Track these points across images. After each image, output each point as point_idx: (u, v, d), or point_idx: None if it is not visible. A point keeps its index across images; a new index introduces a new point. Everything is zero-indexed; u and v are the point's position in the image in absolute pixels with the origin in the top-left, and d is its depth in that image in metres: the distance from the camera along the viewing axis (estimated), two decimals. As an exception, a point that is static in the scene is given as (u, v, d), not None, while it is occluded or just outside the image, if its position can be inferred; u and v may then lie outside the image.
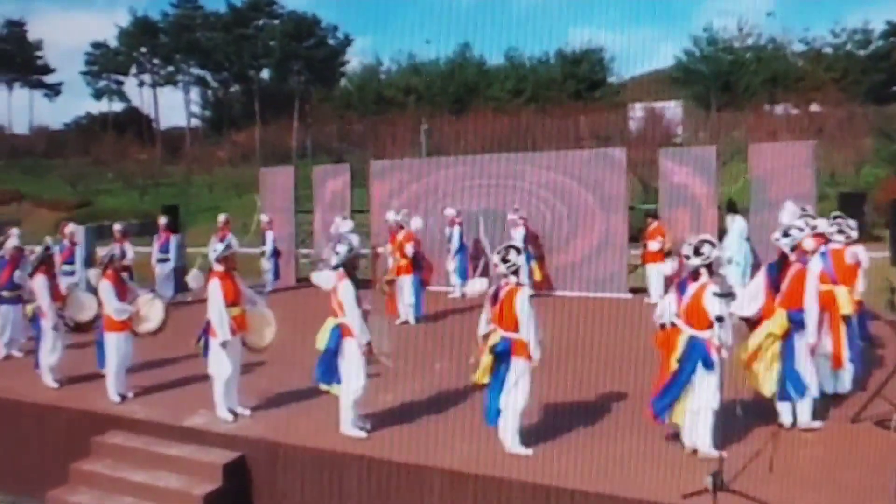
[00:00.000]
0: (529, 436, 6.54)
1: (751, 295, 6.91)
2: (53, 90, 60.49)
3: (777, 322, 6.63)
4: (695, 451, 6.16)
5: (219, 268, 7.42)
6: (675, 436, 6.38)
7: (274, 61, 53.19)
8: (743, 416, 5.95)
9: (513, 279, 6.36)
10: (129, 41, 55.21)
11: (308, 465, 6.59)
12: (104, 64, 57.45)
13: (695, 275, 6.20)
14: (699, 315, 6.04)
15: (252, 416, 7.53)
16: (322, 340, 6.79)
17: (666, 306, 6.42)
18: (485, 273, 15.75)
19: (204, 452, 6.94)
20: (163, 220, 15.12)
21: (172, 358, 9.35)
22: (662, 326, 6.42)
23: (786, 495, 5.38)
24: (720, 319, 5.75)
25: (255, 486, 6.81)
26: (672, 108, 44.06)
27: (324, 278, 7.12)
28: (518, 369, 6.21)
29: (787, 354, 6.65)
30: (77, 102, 73.92)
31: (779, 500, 5.30)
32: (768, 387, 6.71)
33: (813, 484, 5.56)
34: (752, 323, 6.87)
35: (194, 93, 59.55)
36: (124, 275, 12.95)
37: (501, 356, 6.25)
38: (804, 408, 6.74)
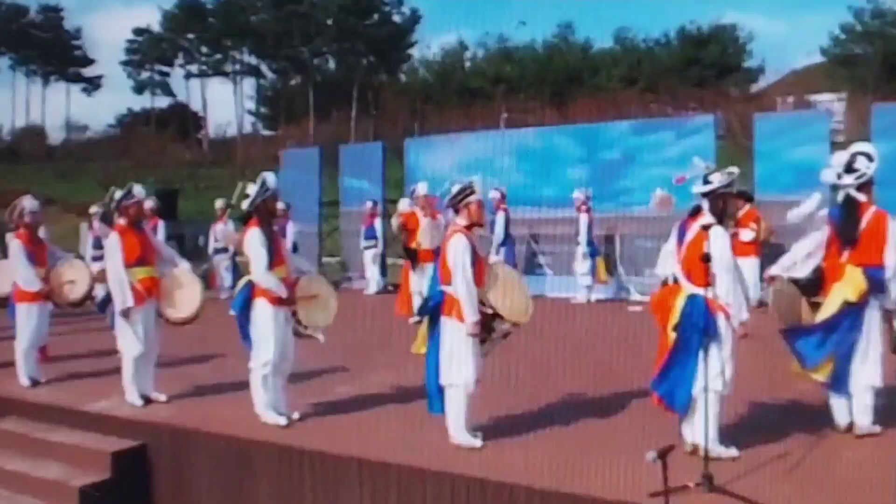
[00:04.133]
0: (494, 428, 6.28)
1: (805, 250, 6.24)
2: (93, 84, 63.58)
3: (853, 284, 5.89)
4: (695, 450, 5.53)
5: (120, 221, 7.33)
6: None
7: (329, 40, 54.23)
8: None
9: (454, 218, 5.98)
10: (175, 26, 57.52)
11: (214, 454, 6.49)
12: (147, 52, 60.02)
13: (695, 212, 5.64)
14: (701, 266, 5.45)
15: (169, 403, 7.45)
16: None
17: (664, 256, 5.89)
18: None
19: (96, 440, 6.92)
20: (149, 204, 15.32)
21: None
22: (665, 283, 5.89)
23: (793, 497, 4.89)
24: (707, 260, 5.17)
25: (156, 478, 6.74)
26: (831, 102, 42.31)
27: (219, 231, 6.93)
28: (450, 333, 5.81)
29: (853, 330, 5.94)
30: (117, 99, 77.41)
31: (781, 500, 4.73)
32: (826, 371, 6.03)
33: (837, 486, 5.05)
34: (806, 287, 6.21)
35: (247, 86, 61.55)
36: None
37: (433, 314, 5.91)
38: (865, 406, 6.01)
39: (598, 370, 8.22)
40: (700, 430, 5.47)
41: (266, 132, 59.74)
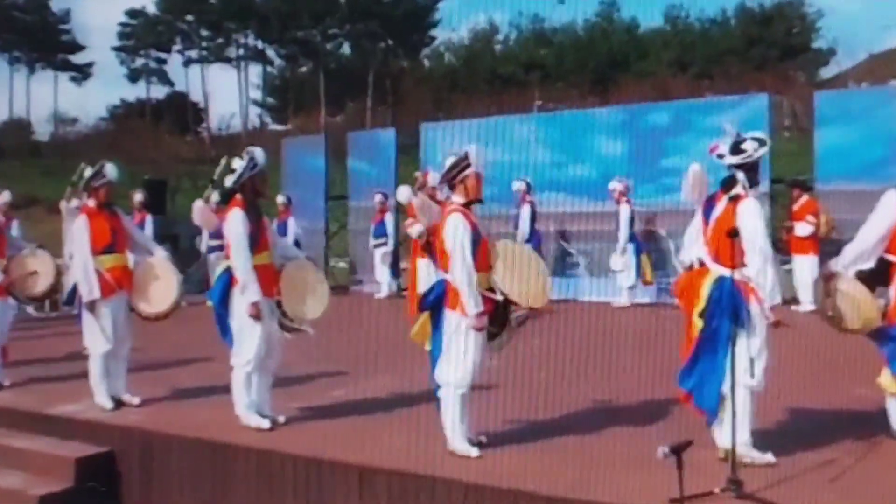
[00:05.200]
0: (504, 435, 6.31)
1: (873, 240, 6.00)
2: (82, 72, 64.28)
3: None
4: (728, 456, 5.46)
5: (89, 202, 7.42)
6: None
7: (340, 20, 54.50)
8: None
9: (451, 196, 5.98)
10: (172, 7, 58.13)
11: (189, 460, 6.55)
12: (142, 37, 60.69)
13: (727, 185, 5.59)
14: (729, 244, 5.39)
15: (142, 406, 7.52)
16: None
17: (689, 240, 5.86)
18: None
19: (59, 446, 6.98)
20: (138, 197, 15.51)
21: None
22: (691, 268, 5.85)
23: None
24: (734, 234, 5.12)
25: (125, 486, 6.81)
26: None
27: (197, 210, 6.94)
28: (449, 328, 5.79)
29: None
30: (109, 88, 77.66)
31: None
32: None
33: (890, 498, 5.05)
34: (866, 280, 6.10)
35: (253, 73, 62.01)
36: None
37: (434, 306, 5.89)
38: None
39: (629, 376, 8.18)
40: (731, 431, 5.43)
41: (275, 126, 60.15)
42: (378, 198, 16.40)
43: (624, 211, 14.05)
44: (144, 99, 62.77)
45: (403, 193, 12.06)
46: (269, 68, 62.12)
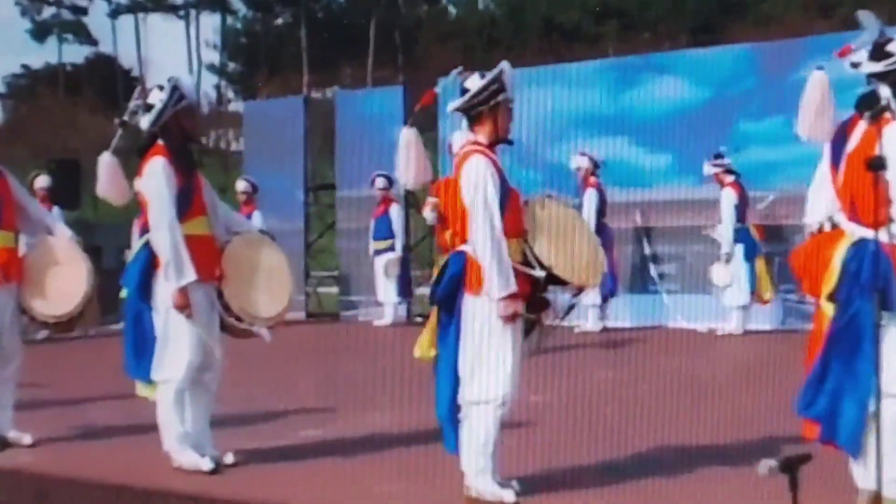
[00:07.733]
0: (544, 479, 6.36)
1: None
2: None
3: None
4: (876, 502, 5.37)
5: None
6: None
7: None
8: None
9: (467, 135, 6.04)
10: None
11: None
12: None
13: (866, 103, 5.52)
14: (870, 187, 5.30)
15: (37, 447, 7.60)
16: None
17: (815, 191, 5.83)
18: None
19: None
20: (40, 182, 15.57)
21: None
22: (820, 231, 5.81)
23: None
24: (878, 165, 5.02)
25: None
26: None
27: (105, 165, 6.99)
28: (474, 319, 5.77)
29: None
30: (7, 51, 78.07)
31: None
32: None
33: None
34: None
35: (207, 27, 62.52)
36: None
37: (447, 292, 5.90)
38: None
39: (725, 416, 8.21)
40: (879, 460, 5.35)
41: (239, 103, 60.63)
42: (380, 182, 16.35)
43: (727, 197, 13.92)
44: (56, 65, 63.38)
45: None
46: (230, 20, 62.71)
